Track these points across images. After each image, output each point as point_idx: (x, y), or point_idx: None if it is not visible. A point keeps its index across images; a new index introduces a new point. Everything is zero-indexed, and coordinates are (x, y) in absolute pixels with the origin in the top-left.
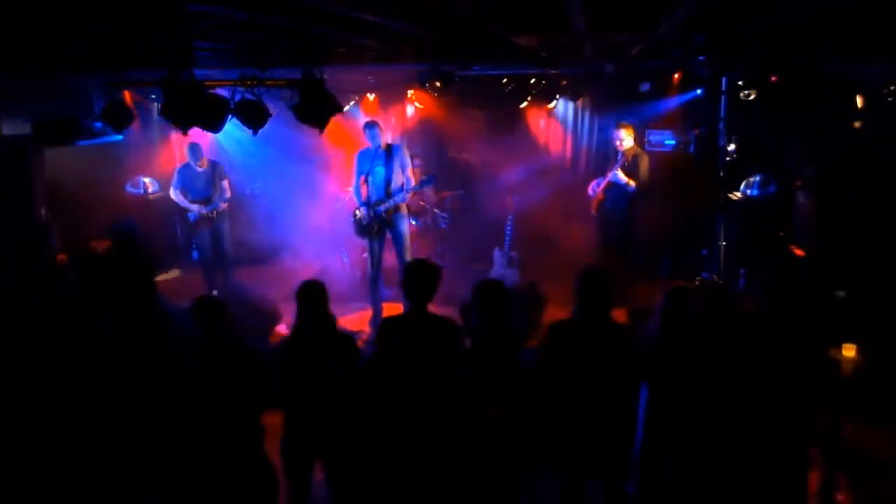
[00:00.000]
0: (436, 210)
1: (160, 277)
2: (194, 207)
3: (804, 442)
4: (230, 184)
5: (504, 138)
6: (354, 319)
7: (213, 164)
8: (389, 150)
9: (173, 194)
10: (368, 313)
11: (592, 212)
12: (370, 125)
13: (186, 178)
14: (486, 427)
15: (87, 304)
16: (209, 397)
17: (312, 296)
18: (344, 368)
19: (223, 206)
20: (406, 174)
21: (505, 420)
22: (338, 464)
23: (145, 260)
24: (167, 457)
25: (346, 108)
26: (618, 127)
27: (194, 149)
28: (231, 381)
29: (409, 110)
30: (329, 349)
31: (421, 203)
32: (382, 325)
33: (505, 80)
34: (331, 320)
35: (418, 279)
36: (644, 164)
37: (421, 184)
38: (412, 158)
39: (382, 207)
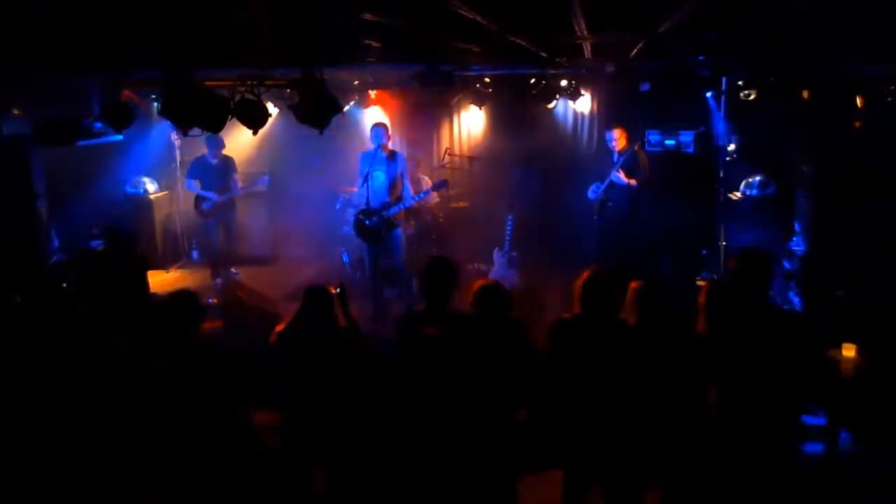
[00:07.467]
0: (434, 209)
1: (160, 277)
2: (211, 194)
3: (799, 441)
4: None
5: (505, 137)
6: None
7: (226, 158)
8: (392, 156)
9: (188, 185)
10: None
11: (595, 216)
12: (375, 126)
13: (200, 170)
14: (487, 429)
15: (85, 304)
16: (188, 395)
17: (318, 300)
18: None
19: (240, 192)
20: (406, 182)
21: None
22: (338, 469)
23: (139, 260)
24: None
25: (346, 108)
26: (611, 128)
27: (214, 141)
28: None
29: (409, 109)
30: (332, 353)
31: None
32: (403, 323)
33: (505, 80)
34: (335, 324)
35: (438, 276)
36: (643, 161)
37: (433, 187)
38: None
39: (389, 212)
